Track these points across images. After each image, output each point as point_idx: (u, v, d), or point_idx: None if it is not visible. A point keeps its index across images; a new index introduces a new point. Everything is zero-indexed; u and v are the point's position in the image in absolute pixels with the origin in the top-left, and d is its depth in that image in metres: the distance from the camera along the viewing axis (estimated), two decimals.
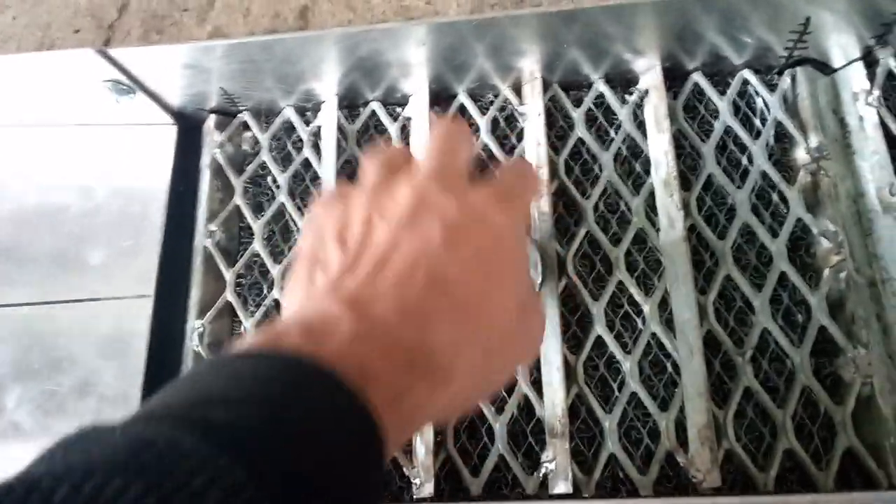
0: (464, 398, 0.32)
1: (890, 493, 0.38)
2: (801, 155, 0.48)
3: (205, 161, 0.54)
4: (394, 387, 0.26)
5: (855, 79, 0.49)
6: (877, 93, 0.48)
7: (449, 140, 0.36)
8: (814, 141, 0.47)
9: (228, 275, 0.50)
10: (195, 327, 0.49)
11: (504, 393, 0.45)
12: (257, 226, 0.52)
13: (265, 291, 0.50)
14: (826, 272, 0.44)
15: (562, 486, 0.42)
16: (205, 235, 0.51)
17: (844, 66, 0.50)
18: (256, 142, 0.55)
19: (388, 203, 0.32)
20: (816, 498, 0.39)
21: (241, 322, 0.50)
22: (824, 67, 0.50)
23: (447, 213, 0.31)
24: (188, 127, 0.56)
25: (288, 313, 0.31)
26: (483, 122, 0.52)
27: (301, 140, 0.54)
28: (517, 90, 0.53)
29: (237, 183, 0.53)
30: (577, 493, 0.42)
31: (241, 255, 0.51)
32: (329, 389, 0.24)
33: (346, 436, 0.24)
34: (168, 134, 0.56)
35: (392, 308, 0.28)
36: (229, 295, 0.50)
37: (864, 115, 0.48)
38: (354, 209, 0.32)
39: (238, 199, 0.53)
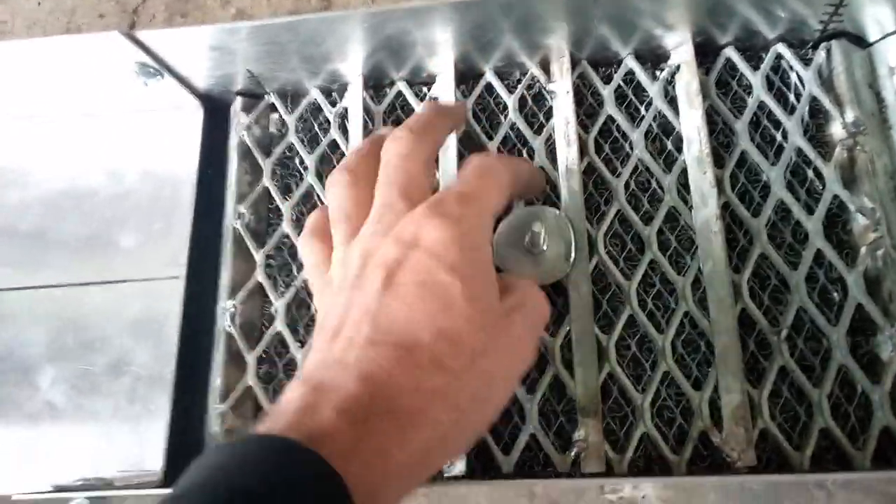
0: (458, 431, 0.32)
1: None
2: (836, 130, 0.47)
3: (232, 143, 0.54)
4: (350, 438, 0.28)
5: (891, 52, 0.48)
6: None
7: (398, 160, 0.38)
8: (850, 116, 0.46)
9: (258, 256, 0.50)
10: (226, 308, 0.49)
11: (536, 372, 0.45)
12: (286, 207, 0.52)
13: (294, 272, 0.50)
14: (863, 249, 0.44)
15: (594, 465, 0.41)
16: (234, 217, 0.52)
17: (880, 39, 0.48)
18: (283, 123, 0.55)
19: (341, 271, 0.36)
20: (851, 476, 0.39)
21: (271, 302, 0.50)
22: (860, 41, 0.49)
23: (387, 256, 0.33)
24: (215, 109, 0.56)
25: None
26: (511, 101, 0.52)
27: (328, 121, 0.54)
28: (545, 68, 0.52)
29: (265, 165, 0.53)
30: (609, 471, 0.42)
31: (271, 237, 0.51)
32: (285, 455, 0.26)
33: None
34: (195, 117, 0.56)
35: (341, 370, 0.30)
36: (259, 276, 0.50)
37: None
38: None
39: (266, 181, 0.53)
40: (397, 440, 0.29)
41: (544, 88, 0.52)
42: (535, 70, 0.52)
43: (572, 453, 0.42)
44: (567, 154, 0.49)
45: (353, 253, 0.35)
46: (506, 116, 0.52)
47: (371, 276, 0.32)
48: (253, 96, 0.56)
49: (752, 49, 0.50)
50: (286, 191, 0.53)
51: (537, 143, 0.50)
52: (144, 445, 0.47)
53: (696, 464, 0.42)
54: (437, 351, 0.31)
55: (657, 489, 0.40)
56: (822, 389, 0.41)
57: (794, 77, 0.49)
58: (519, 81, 0.53)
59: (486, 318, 0.33)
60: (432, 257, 0.32)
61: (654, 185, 0.48)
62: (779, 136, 0.48)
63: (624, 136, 0.50)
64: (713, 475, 0.40)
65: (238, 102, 0.55)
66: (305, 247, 0.42)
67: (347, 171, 0.39)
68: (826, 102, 0.47)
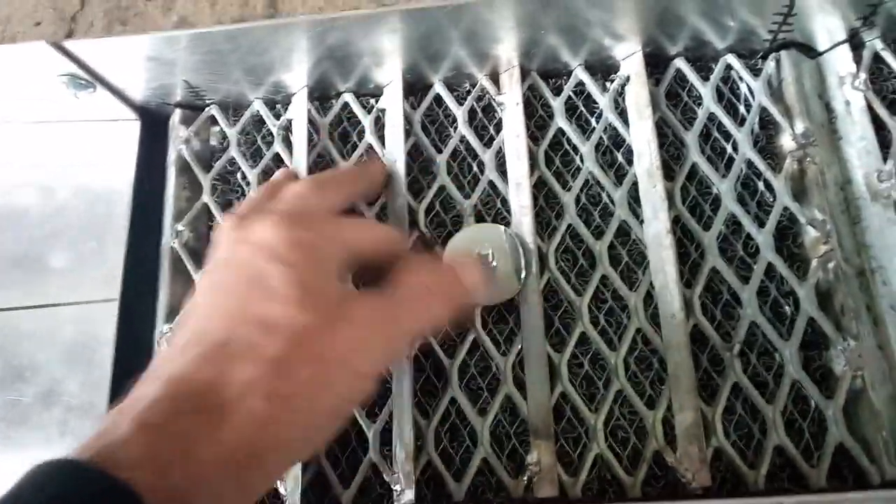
0: (288, 420, 0.30)
1: (885, 493, 0.37)
2: (786, 142, 0.46)
3: (171, 157, 0.52)
4: (143, 445, 0.27)
5: (841, 62, 0.47)
6: (863, 76, 0.46)
7: (290, 198, 0.39)
8: (800, 127, 0.46)
9: (197, 276, 0.48)
10: (163, 332, 0.47)
11: (487, 394, 0.44)
12: None
13: None
14: (814, 262, 0.43)
15: (547, 489, 0.40)
16: (172, 236, 0.49)
17: (830, 48, 0.48)
18: (224, 136, 0.53)
19: None
20: (807, 498, 0.38)
21: None
22: (809, 51, 0.49)
23: (217, 260, 0.35)
24: (153, 122, 0.54)
25: None
26: (460, 113, 0.51)
27: (271, 134, 0.52)
28: (495, 79, 0.51)
29: (205, 180, 0.51)
30: (563, 495, 0.40)
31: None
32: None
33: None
34: (131, 129, 0.53)
35: (151, 381, 0.30)
36: None
37: (850, 99, 0.46)
38: None
39: (206, 197, 0.51)
40: (205, 439, 0.27)
41: (494, 100, 0.51)
42: (484, 81, 0.51)
43: (525, 477, 0.41)
44: (517, 168, 0.48)
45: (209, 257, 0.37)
46: (455, 129, 0.51)
47: (203, 282, 0.34)
48: (192, 108, 0.54)
49: (702, 59, 0.50)
50: (227, 207, 0.51)
51: (487, 156, 0.49)
52: None
53: (651, 484, 0.41)
54: (251, 339, 0.30)
55: None
56: (775, 406, 0.41)
57: (743, 88, 0.49)
58: (468, 93, 0.52)
59: (317, 301, 0.32)
60: (256, 250, 0.32)
61: (605, 198, 0.47)
62: (729, 148, 0.47)
63: (574, 148, 0.49)
64: (668, 500, 0.39)
65: (177, 115, 0.53)
66: None
67: (235, 217, 0.38)
68: (776, 113, 0.47)
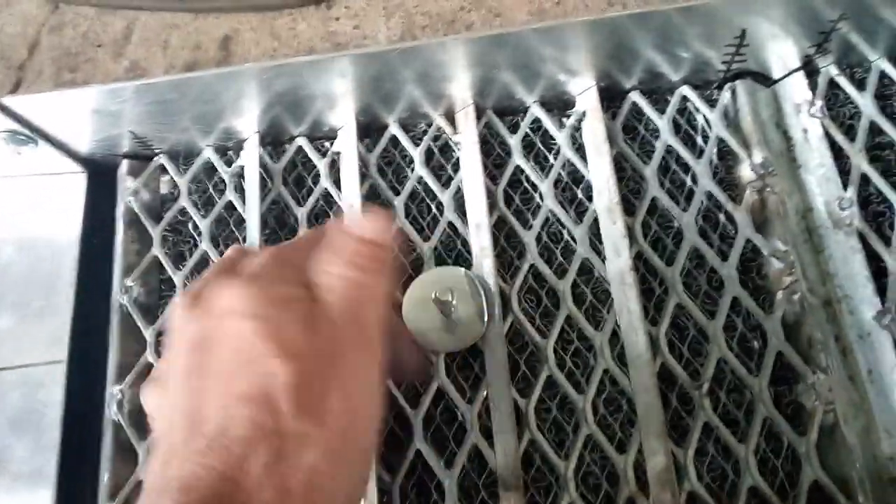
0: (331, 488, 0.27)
1: None
2: (745, 172, 0.46)
3: (119, 210, 0.50)
4: None
5: (796, 89, 0.47)
6: (819, 103, 0.46)
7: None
8: (758, 157, 0.46)
9: (148, 333, 0.46)
10: (114, 394, 0.45)
11: (453, 444, 0.42)
12: (178, 277, 0.48)
13: None
14: (779, 294, 0.43)
15: None
16: (121, 291, 0.47)
17: (784, 76, 0.48)
18: (175, 186, 0.51)
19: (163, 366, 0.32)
20: None
21: None
22: (764, 79, 0.49)
23: (191, 335, 0.30)
24: (99, 173, 0.52)
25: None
26: (417, 154, 0.50)
27: (223, 182, 0.51)
28: (450, 118, 0.50)
29: (155, 232, 0.49)
30: None
31: (162, 311, 0.47)
32: None
33: None
34: (78, 182, 0.52)
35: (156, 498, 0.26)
36: (150, 356, 0.46)
37: (807, 126, 0.46)
38: None
39: (156, 250, 0.49)
40: None
41: (450, 140, 0.50)
42: (440, 121, 0.50)
43: None
44: (476, 209, 0.47)
45: (170, 345, 0.31)
46: (412, 170, 0.50)
47: (173, 370, 0.29)
48: (141, 158, 0.52)
49: (658, 91, 0.50)
50: (179, 259, 0.49)
51: (446, 196, 0.48)
52: None
53: None
54: (251, 417, 0.26)
55: None
56: (748, 445, 0.40)
57: (700, 119, 0.48)
58: (424, 133, 0.51)
59: (301, 346, 0.28)
60: (221, 318, 0.29)
61: (566, 236, 0.46)
62: (688, 181, 0.47)
63: (533, 186, 0.48)
64: None
65: (124, 166, 0.52)
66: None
67: (189, 294, 0.33)
68: (733, 144, 0.46)
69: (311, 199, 0.49)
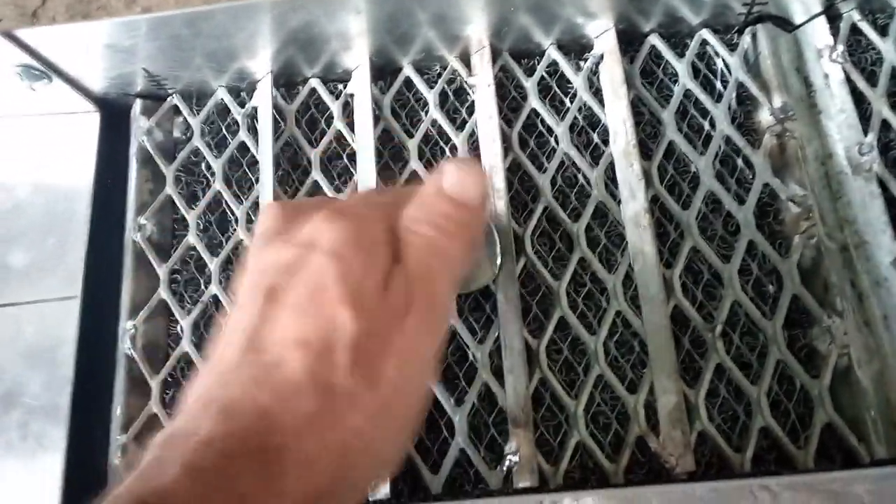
0: (364, 460, 0.27)
1: (874, 471, 0.36)
2: (765, 117, 0.45)
3: (132, 149, 0.50)
4: (192, 497, 0.23)
5: (818, 35, 0.46)
6: (841, 48, 0.45)
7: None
8: (778, 101, 0.45)
9: (161, 271, 0.46)
10: (127, 329, 0.45)
11: (464, 383, 0.42)
12: (191, 216, 0.48)
13: (202, 287, 0.47)
14: (796, 239, 0.42)
15: (527, 479, 0.39)
16: (134, 229, 0.48)
17: (806, 21, 0.47)
18: (188, 126, 0.51)
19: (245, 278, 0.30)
20: (794, 479, 0.37)
21: (177, 321, 0.46)
22: (785, 24, 0.48)
23: (278, 261, 0.28)
24: (113, 114, 0.52)
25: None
26: (431, 96, 0.49)
27: (236, 123, 0.50)
28: (465, 61, 0.50)
29: (168, 171, 0.49)
30: (543, 485, 0.39)
31: (175, 249, 0.47)
32: None
33: None
34: (91, 122, 0.51)
35: (200, 409, 0.25)
36: (163, 292, 0.46)
37: (828, 72, 0.45)
38: None
39: (169, 189, 0.49)
40: (262, 493, 0.24)
41: (465, 82, 0.49)
42: (455, 63, 0.50)
43: (504, 468, 0.39)
44: (491, 151, 0.46)
45: (251, 259, 0.30)
46: (426, 112, 0.49)
47: (259, 284, 0.28)
48: (154, 98, 0.52)
49: (677, 35, 0.49)
50: (192, 199, 0.49)
51: (460, 139, 0.48)
52: (40, 483, 0.43)
53: (634, 471, 0.40)
54: (307, 364, 0.26)
55: (597, 502, 0.37)
56: (760, 387, 0.39)
57: (720, 63, 0.48)
58: (439, 75, 0.50)
59: (371, 301, 0.27)
60: (303, 250, 0.28)
61: (581, 179, 0.46)
62: (706, 125, 0.46)
63: (549, 130, 0.48)
64: (653, 484, 0.37)
65: (137, 105, 0.51)
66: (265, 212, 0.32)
67: (282, 214, 0.31)
68: (753, 88, 0.46)
69: (324, 141, 0.49)
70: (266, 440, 0.24)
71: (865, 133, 0.43)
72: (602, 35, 0.48)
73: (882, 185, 0.43)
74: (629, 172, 0.44)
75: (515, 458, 0.39)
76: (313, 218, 0.29)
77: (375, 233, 0.29)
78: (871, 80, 0.45)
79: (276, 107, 0.50)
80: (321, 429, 0.25)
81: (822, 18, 0.47)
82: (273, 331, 0.27)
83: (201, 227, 0.48)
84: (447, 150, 0.48)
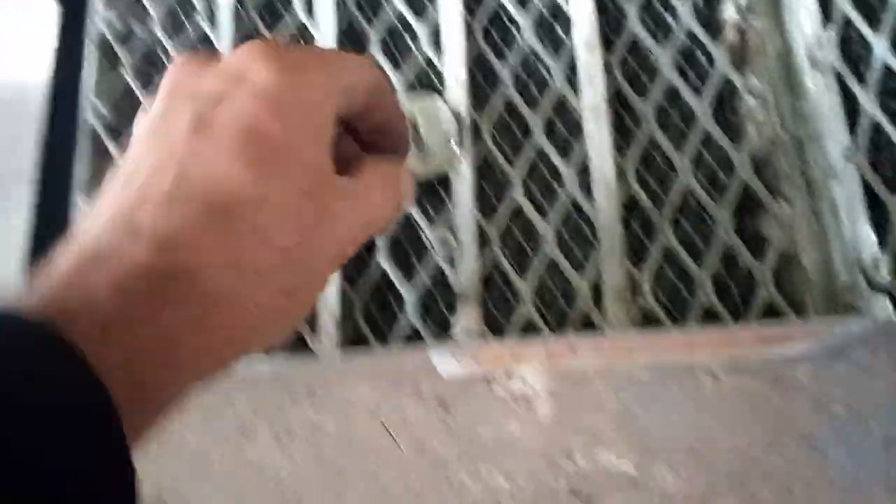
0: (276, 318, 0.26)
1: (806, 324, 0.36)
2: (728, 11, 0.45)
3: (90, 34, 0.49)
4: (124, 320, 0.21)
5: None
6: None
7: None
8: None
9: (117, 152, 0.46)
10: (82, 208, 0.45)
11: (416, 262, 0.43)
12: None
13: None
14: (750, 128, 0.42)
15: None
16: (93, 115, 0.47)
17: None
18: (147, 13, 0.50)
19: (155, 104, 0.27)
20: (735, 359, 0.38)
21: None
22: None
23: (202, 88, 0.26)
24: (71, 3, 0.51)
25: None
26: None
27: (196, 10, 0.50)
28: None
29: (126, 58, 0.49)
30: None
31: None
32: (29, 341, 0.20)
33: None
34: (50, 11, 0.51)
35: (128, 233, 0.23)
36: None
37: None
38: None
39: (127, 76, 0.48)
40: (193, 327, 0.23)
41: None
42: None
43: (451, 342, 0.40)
44: (453, 41, 0.46)
45: (165, 84, 0.27)
46: (389, 2, 0.49)
47: (180, 111, 0.25)
48: None
49: None
50: (149, 87, 0.49)
51: (422, 29, 0.47)
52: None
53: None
54: (264, 217, 0.24)
55: (545, 381, 0.38)
56: (704, 267, 0.40)
57: None
58: None
59: (320, 186, 0.26)
60: (261, 98, 0.25)
61: (542, 70, 0.46)
62: (669, 18, 0.46)
63: (512, 20, 0.47)
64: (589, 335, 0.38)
65: None
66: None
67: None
68: None
69: (286, 32, 0.49)
70: (202, 282, 0.23)
71: (826, 29, 0.43)
72: None
73: (840, 80, 0.43)
74: (590, 61, 0.44)
75: (462, 333, 0.40)
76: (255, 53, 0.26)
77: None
78: None
79: None
80: (259, 285, 0.24)
81: None
82: (208, 168, 0.24)
83: None
84: (409, 40, 0.48)
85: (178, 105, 0.25)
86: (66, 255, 0.22)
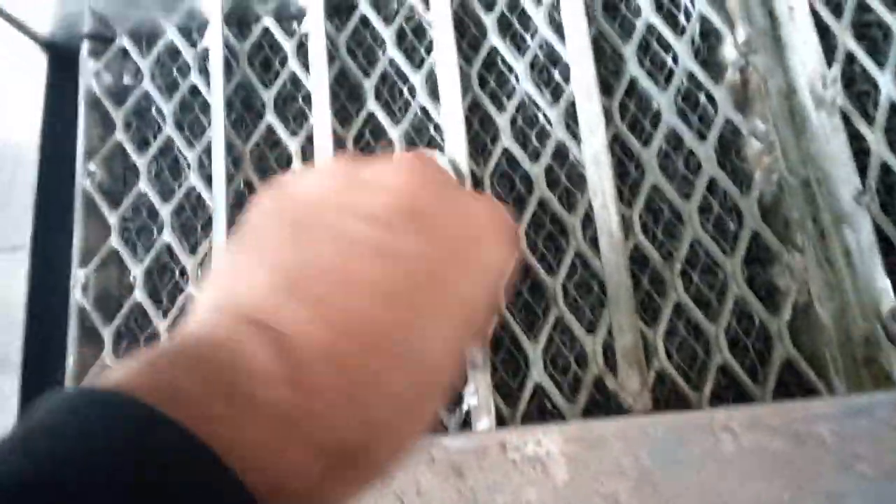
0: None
1: (835, 400, 0.35)
2: (728, 51, 0.44)
3: (81, 93, 0.48)
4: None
5: None
6: None
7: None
8: (741, 35, 0.44)
9: (113, 219, 0.45)
10: (78, 278, 0.44)
11: None
12: (142, 162, 0.46)
13: (155, 235, 0.45)
14: (757, 174, 0.41)
15: (484, 422, 0.38)
16: (84, 176, 0.46)
17: None
18: (138, 69, 0.49)
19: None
20: (755, 414, 0.37)
21: (129, 270, 0.45)
22: None
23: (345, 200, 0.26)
24: (61, 56, 0.50)
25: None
26: (388, 34, 0.47)
27: (187, 64, 0.49)
28: None
29: (118, 116, 0.48)
30: (501, 426, 0.39)
31: (127, 197, 0.46)
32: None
33: None
34: (38, 65, 0.49)
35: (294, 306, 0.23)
36: (114, 241, 0.45)
37: (793, 4, 0.44)
38: None
39: (119, 134, 0.47)
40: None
41: (423, 18, 0.48)
42: None
43: (463, 410, 0.39)
44: (449, 91, 0.45)
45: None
46: (384, 51, 0.48)
47: (327, 221, 0.25)
48: (103, 40, 0.50)
49: None
50: (143, 144, 0.48)
51: (418, 79, 0.46)
52: None
53: (592, 412, 0.39)
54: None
55: (560, 444, 0.37)
56: (718, 324, 0.39)
57: None
58: (396, 12, 0.48)
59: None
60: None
61: (541, 119, 0.45)
62: (669, 60, 0.45)
63: (509, 67, 0.46)
64: (611, 417, 0.37)
65: (86, 47, 0.49)
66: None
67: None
68: (717, 21, 0.44)
69: (279, 83, 0.48)
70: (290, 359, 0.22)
71: (830, 67, 0.42)
72: None
73: (846, 118, 0.42)
74: (589, 109, 0.43)
75: (474, 401, 0.39)
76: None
77: None
78: (837, 11, 0.44)
79: (228, 47, 0.48)
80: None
81: None
82: (306, 264, 0.24)
83: (153, 173, 0.47)
84: (405, 90, 0.47)
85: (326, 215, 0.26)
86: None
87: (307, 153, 0.45)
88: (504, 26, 0.47)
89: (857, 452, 0.35)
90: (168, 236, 0.44)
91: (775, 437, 0.36)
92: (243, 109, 0.48)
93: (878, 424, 0.35)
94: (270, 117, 0.47)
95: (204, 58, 0.48)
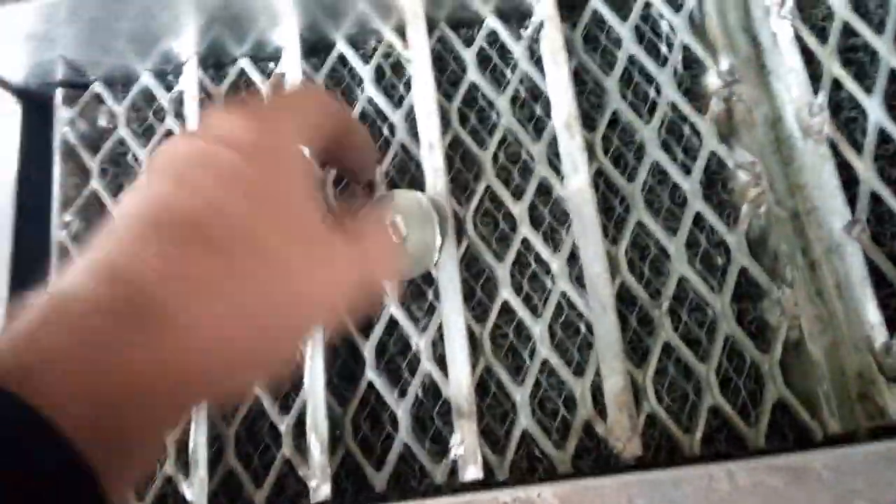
0: (223, 365, 0.25)
1: (830, 451, 0.34)
2: (712, 80, 0.43)
3: (55, 142, 0.48)
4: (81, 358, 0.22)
5: None
6: (790, 4, 0.43)
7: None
8: (724, 64, 0.43)
9: None
10: None
11: (406, 373, 0.41)
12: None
13: None
14: (745, 207, 0.40)
15: (472, 472, 0.37)
16: (60, 227, 0.45)
17: None
18: (113, 115, 0.49)
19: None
20: (750, 463, 0.36)
21: None
22: None
23: (176, 149, 0.28)
24: (34, 105, 0.49)
25: None
26: (367, 72, 0.47)
27: (163, 109, 0.48)
28: (401, 32, 0.47)
29: (93, 164, 0.47)
30: (489, 476, 0.38)
31: None
32: None
33: None
34: (12, 115, 0.49)
35: (91, 273, 0.24)
36: None
37: (777, 30, 0.43)
38: None
39: (95, 183, 0.46)
40: (154, 354, 0.23)
41: (402, 56, 0.47)
42: (390, 36, 0.47)
43: (449, 461, 0.38)
44: (429, 128, 0.44)
45: (151, 161, 0.29)
46: (362, 90, 0.47)
47: (161, 175, 0.27)
48: (77, 87, 0.49)
49: None
50: (119, 192, 0.47)
51: (397, 116, 0.45)
52: None
53: (583, 458, 0.38)
54: (218, 231, 0.25)
55: (554, 487, 0.36)
56: (709, 364, 0.38)
57: (665, 25, 0.45)
58: (375, 50, 0.48)
59: (301, 223, 0.28)
60: (233, 149, 0.27)
61: (524, 155, 0.44)
62: (652, 92, 0.44)
63: (490, 103, 0.45)
64: (602, 475, 0.36)
65: (59, 95, 0.49)
66: None
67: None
68: (699, 51, 0.44)
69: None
70: (151, 306, 0.23)
71: (816, 93, 0.42)
72: (541, 0, 0.45)
73: (833, 147, 0.41)
74: (571, 145, 0.42)
75: (461, 451, 0.38)
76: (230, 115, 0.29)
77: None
78: (822, 37, 0.43)
79: (204, 90, 0.47)
80: (209, 297, 0.25)
81: None
82: (175, 208, 0.26)
83: None
84: (384, 128, 0.46)
85: (160, 172, 0.27)
86: (35, 308, 0.23)
87: None
88: (484, 61, 0.46)
89: (854, 488, 0.34)
90: None
91: (771, 475, 0.35)
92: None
93: (875, 459, 0.34)
94: None
95: (179, 101, 0.48)
